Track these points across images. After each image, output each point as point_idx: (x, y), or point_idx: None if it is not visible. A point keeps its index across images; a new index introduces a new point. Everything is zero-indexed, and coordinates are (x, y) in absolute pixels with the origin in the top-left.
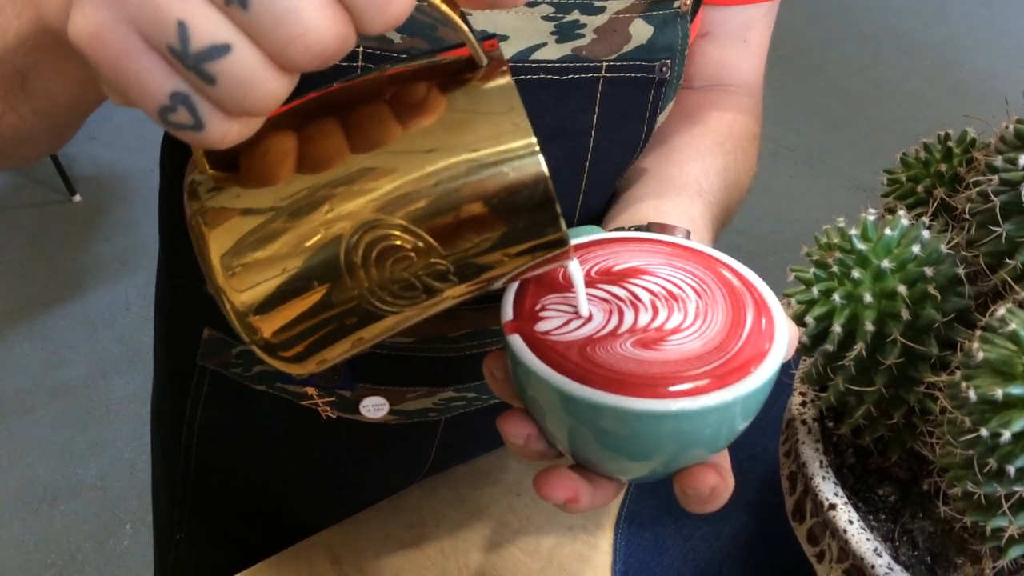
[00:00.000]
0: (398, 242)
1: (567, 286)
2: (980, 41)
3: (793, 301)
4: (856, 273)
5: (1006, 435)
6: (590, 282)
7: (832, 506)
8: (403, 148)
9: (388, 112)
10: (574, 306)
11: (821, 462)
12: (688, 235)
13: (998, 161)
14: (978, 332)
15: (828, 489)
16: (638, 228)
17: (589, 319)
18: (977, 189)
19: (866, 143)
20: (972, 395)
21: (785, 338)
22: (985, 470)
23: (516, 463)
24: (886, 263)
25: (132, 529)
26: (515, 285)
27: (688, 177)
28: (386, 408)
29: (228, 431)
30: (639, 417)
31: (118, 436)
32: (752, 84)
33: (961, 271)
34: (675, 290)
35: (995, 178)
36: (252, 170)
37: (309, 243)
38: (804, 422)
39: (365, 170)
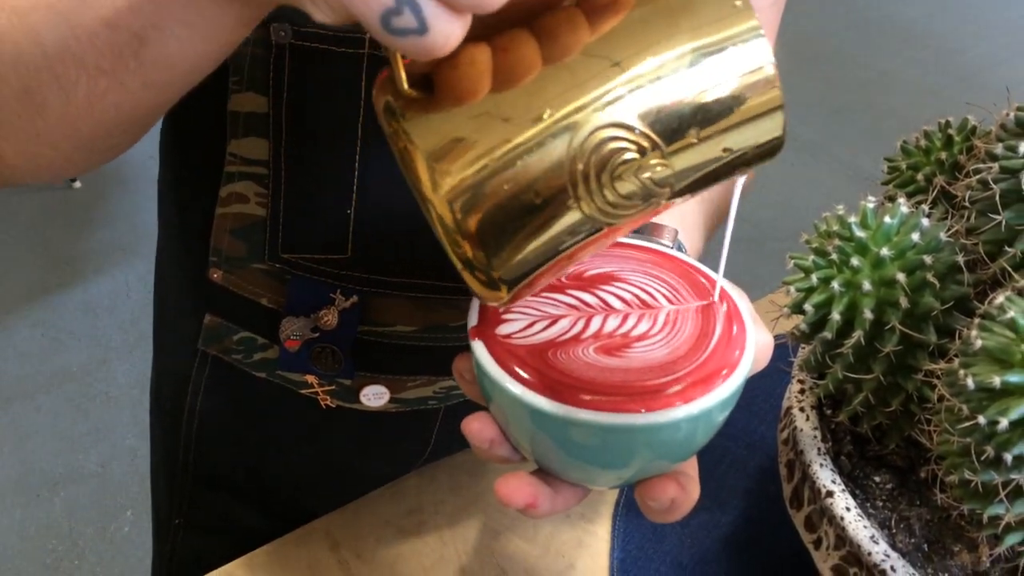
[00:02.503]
0: (623, 143)
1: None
2: (982, 30)
3: (792, 289)
4: (855, 261)
5: (1004, 423)
6: (560, 287)
7: (830, 493)
8: (617, 43)
9: (583, 11)
10: (539, 309)
11: (819, 449)
12: (677, 235)
13: (998, 149)
14: (977, 320)
15: (826, 476)
16: None
17: (553, 322)
18: (977, 177)
19: (867, 132)
20: (970, 383)
21: (753, 349)
22: (982, 458)
23: None
24: (885, 251)
25: (133, 515)
26: None
27: None
28: (386, 396)
29: (228, 418)
30: (591, 428)
31: (119, 422)
32: None
33: (960, 259)
34: (646, 298)
35: (995, 166)
36: (453, 85)
37: (529, 151)
38: (802, 409)
39: (582, 70)
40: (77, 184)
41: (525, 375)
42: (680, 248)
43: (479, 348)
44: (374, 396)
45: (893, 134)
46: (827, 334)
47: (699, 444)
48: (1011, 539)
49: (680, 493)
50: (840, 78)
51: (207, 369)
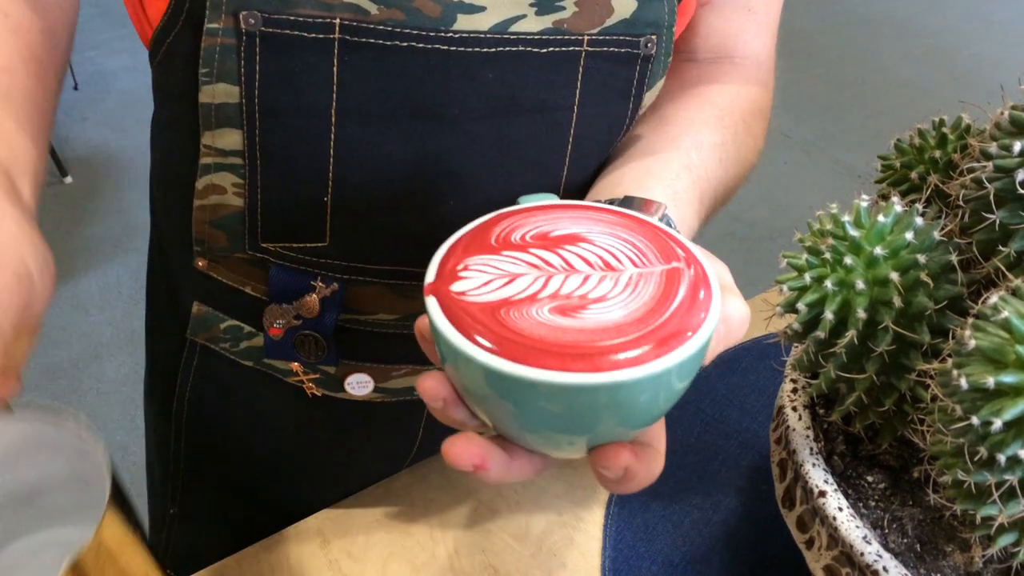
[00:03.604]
0: None
1: (498, 248)
2: (977, 28)
3: (785, 287)
4: (849, 260)
5: (997, 423)
6: (523, 246)
7: (822, 493)
8: None
9: None
10: (498, 267)
11: (811, 449)
12: (665, 210)
13: (993, 148)
14: (970, 320)
15: (818, 476)
16: (612, 201)
17: (511, 280)
18: (971, 176)
19: (861, 130)
20: (964, 383)
21: (717, 314)
22: (976, 458)
23: None
24: (879, 250)
25: None
26: (445, 246)
27: (678, 151)
28: (371, 386)
29: (217, 406)
30: (537, 386)
31: (109, 419)
32: (760, 55)
33: (954, 258)
34: (611, 259)
35: (989, 165)
36: None
37: None
38: (795, 409)
39: None
40: (68, 179)
41: (475, 332)
42: (669, 224)
43: (432, 304)
44: (358, 385)
45: (886, 133)
46: (820, 333)
47: (657, 411)
48: (1004, 540)
49: (634, 461)
50: (833, 76)
51: (196, 358)
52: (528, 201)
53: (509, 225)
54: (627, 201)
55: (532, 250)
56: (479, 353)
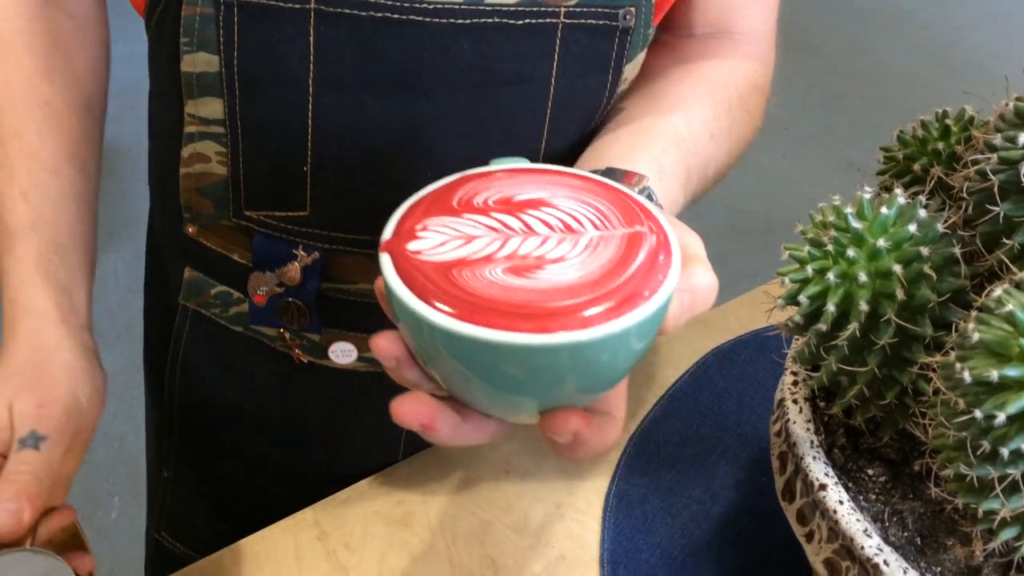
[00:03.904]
0: None
1: (459, 210)
2: (977, 20)
3: (787, 279)
4: (851, 252)
5: (1001, 417)
6: (484, 210)
7: (823, 486)
8: None
9: None
10: (456, 228)
11: (812, 442)
12: (647, 182)
13: (997, 139)
14: (974, 313)
15: (819, 469)
16: (595, 172)
17: (468, 242)
18: (975, 168)
19: (860, 122)
20: (967, 376)
21: (675, 279)
22: (978, 452)
23: (504, 441)
24: (882, 242)
25: (120, 502)
26: (406, 204)
27: (667, 125)
28: (354, 354)
29: (208, 371)
30: (480, 344)
31: (106, 409)
32: (759, 31)
33: (957, 251)
34: (572, 223)
35: (994, 157)
36: None
37: None
38: (795, 402)
39: None
40: None
41: (425, 290)
42: (650, 197)
43: (386, 262)
44: (342, 353)
45: (885, 125)
46: (822, 326)
47: (608, 376)
48: (1006, 534)
49: (585, 427)
50: (833, 68)
51: (188, 323)
52: (499, 164)
53: (473, 188)
54: (609, 172)
55: (493, 214)
56: (426, 310)
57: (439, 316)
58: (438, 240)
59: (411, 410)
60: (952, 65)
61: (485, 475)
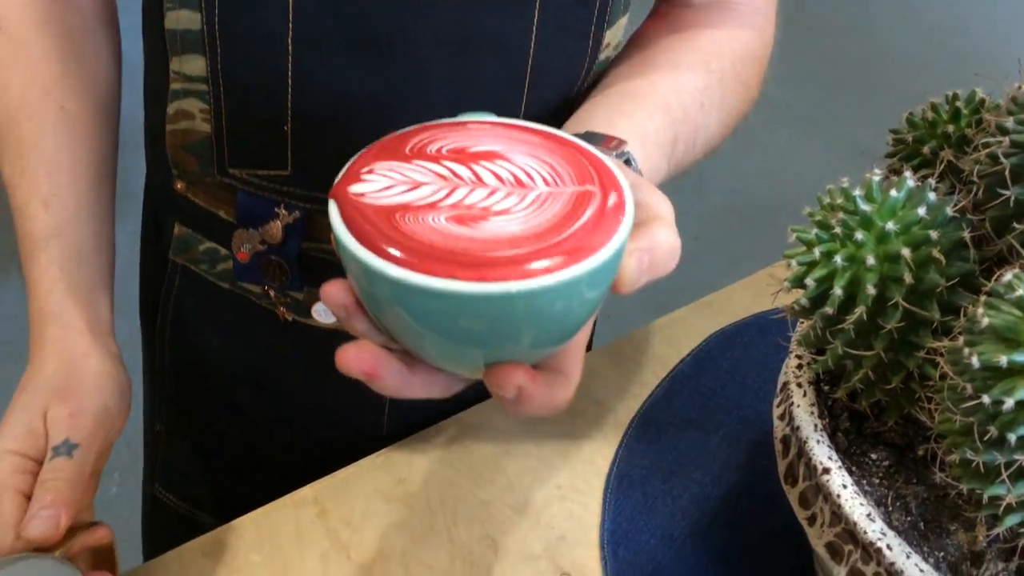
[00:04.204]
0: None
1: (410, 157)
2: (982, 5)
3: (794, 262)
4: (859, 235)
5: (1009, 403)
6: (435, 157)
7: (826, 470)
8: None
9: None
10: (404, 174)
11: (816, 426)
12: (626, 147)
13: (1009, 122)
14: (983, 297)
15: (822, 453)
16: (575, 136)
17: (414, 188)
18: (986, 151)
19: (864, 105)
20: (975, 361)
21: (622, 238)
22: (985, 438)
23: (506, 419)
24: (891, 225)
25: (120, 477)
26: (358, 154)
27: (655, 92)
28: None
29: (197, 326)
30: (415, 290)
31: None
32: (759, 2)
33: (967, 235)
34: (523, 177)
35: (1005, 140)
36: None
37: None
38: (800, 385)
39: None
40: None
41: (363, 232)
42: (629, 162)
43: (332, 206)
44: (324, 312)
45: (890, 108)
46: (828, 309)
47: (551, 331)
48: (1011, 520)
49: (529, 383)
50: (837, 51)
51: (178, 279)
52: (466, 117)
53: (430, 136)
54: (588, 136)
55: (445, 162)
56: (363, 253)
57: (375, 259)
58: (383, 184)
59: (355, 357)
60: (959, 48)
61: (486, 455)
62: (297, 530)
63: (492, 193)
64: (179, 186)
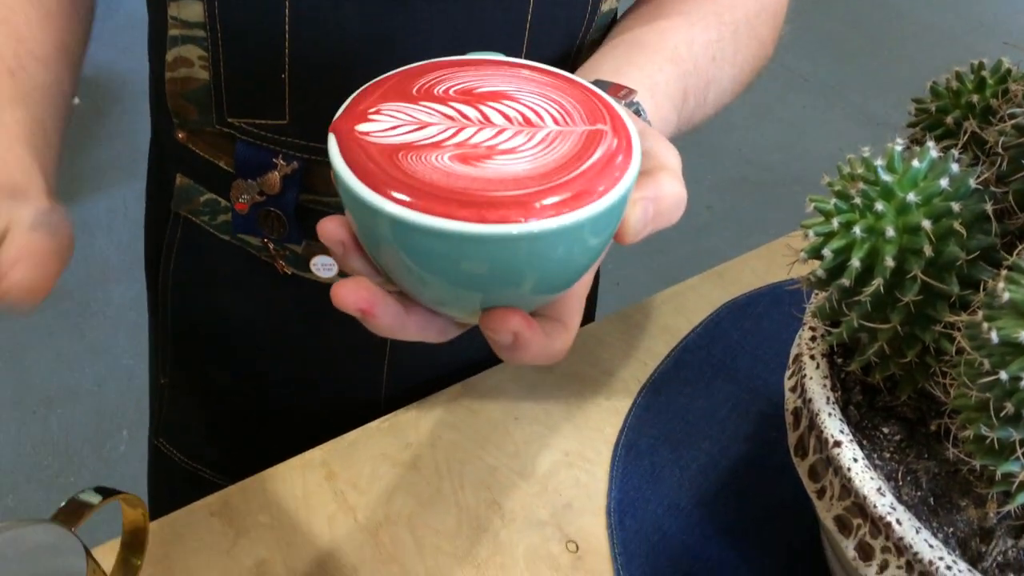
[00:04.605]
0: None
1: (417, 97)
2: None
3: (811, 233)
4: (879, 206)
5: None
6: (443, 98)
7: (837, 443)
8: None
9: None
10: (410, 114)
11: (828, 398)
12: (635, 96)
13: None
14: (1004, 272)
15: (834, 426)
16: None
17: (420, 127)
18: (1012, 122)
19: (881, 75)
20: (994, 336)
21: (624, 187)
22: (1001, 414)
23: (514, 385)
24: (912, 196)
25: (128, 435)
26: (364, 86)
27: (665, 43)
28: (335, 268)
29: (199, 279)
30: (405, 226)
31: (115, 343)
32: None
33: (989, 208)
34: (532, 116)
35: None
36: None
37: None
38: (812, 357)
39: None
40: (76, 101)
41: (364, 169)
42: (638, 112)
43: (331, 141)
44: (323, 267)
45: (907, 79)
46: (845, 281)
47: (551, 276)
48: (1022, 497)
49: (525, 329)
50: (854, 20)
51: (179, 230)
52: (474, 55)
53: (437, 76)
54: (597, 84)
55: (452, 103)
56: (361, 188)
57: (374, 196)
58: (389, 124)
59: (352, 292)
60: (979, 19)
61: (494, 421)
62: (304, 492)
63: (499, 132)
64: (180, 136)
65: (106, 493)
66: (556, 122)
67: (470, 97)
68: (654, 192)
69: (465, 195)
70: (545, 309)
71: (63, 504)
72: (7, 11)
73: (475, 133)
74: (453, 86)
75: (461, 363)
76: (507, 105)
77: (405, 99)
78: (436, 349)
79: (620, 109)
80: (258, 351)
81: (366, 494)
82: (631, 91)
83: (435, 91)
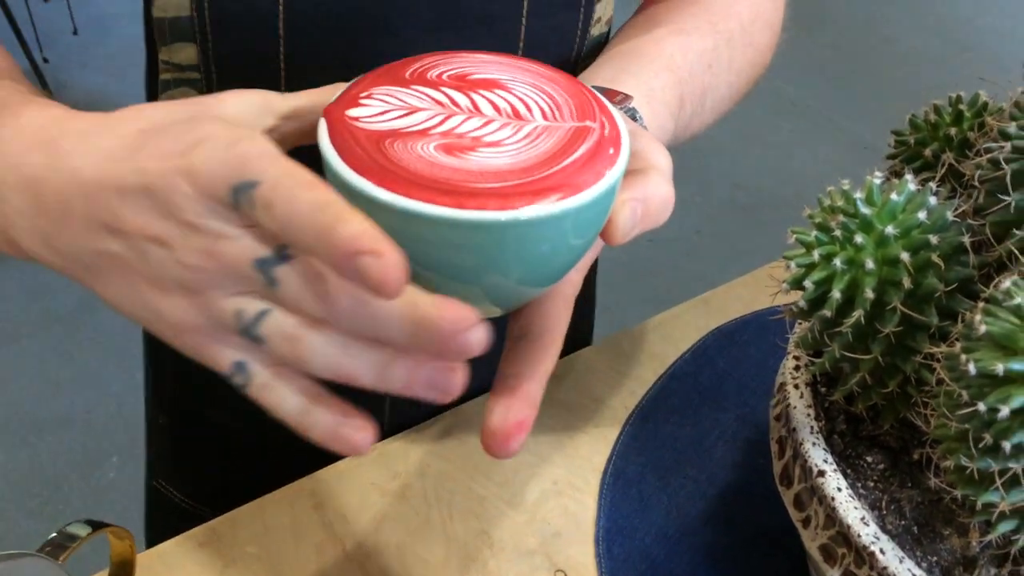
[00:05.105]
0: None
1: (409, 82)
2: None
3: (793, 264)
4: (859, 238)
5: (1004, 411)
6: (435, 83)
7: (821, 472)
8: None
9: None
10: (401, 99)
11: (812, 428)
12: (631, 103)
13: (1011, 128)
14: (981, 304)
15: (818, 456)
16: None
17: (409, 113)
18: (988, 156)
19: (870, 100)
20: (972, 368)
21: (608, 182)
22: (980, 445)
23: None
24: (890, 229)
25: (118, 462)
26: (359, 77)
27: (661, 52)
28: None
29: None
30: (385, 211)
31: (105, 369)
32: None
33: (966, 240)
34: (521, 108)
35: (1007, 145)
36: None
37: None
38: (796, 386)
39: None
40: None
41: (350, 153)
42: (634, 117)
43: (321, 125)
44: None
45: (894, 103)
46: (826, 312)
47: (524, 272)
48: (1003, 527)
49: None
50: (842, 45)
51: None
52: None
53: (432, 63)
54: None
55: (443, 88)
56: (345, 172)
57: (358, 179)
58: (379, 109)
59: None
60: (965, 44)
61: (483, 450)
62: (293, 522)
63: (487, 123)
64: None
65: (94, 525)
66: (544, 116)
67: (462, 83)
68: (643, 193)
69: (447, 184)
70: (531, 323)
71: (51, 536)
72: None
73: (462, 122)
74: (448, 71)
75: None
76: (498, 95)
77: (397, 83)
78: None
79: (612, 109)
80: None
81: (354, 524)
82: (627, 97)
83: (428, 75)
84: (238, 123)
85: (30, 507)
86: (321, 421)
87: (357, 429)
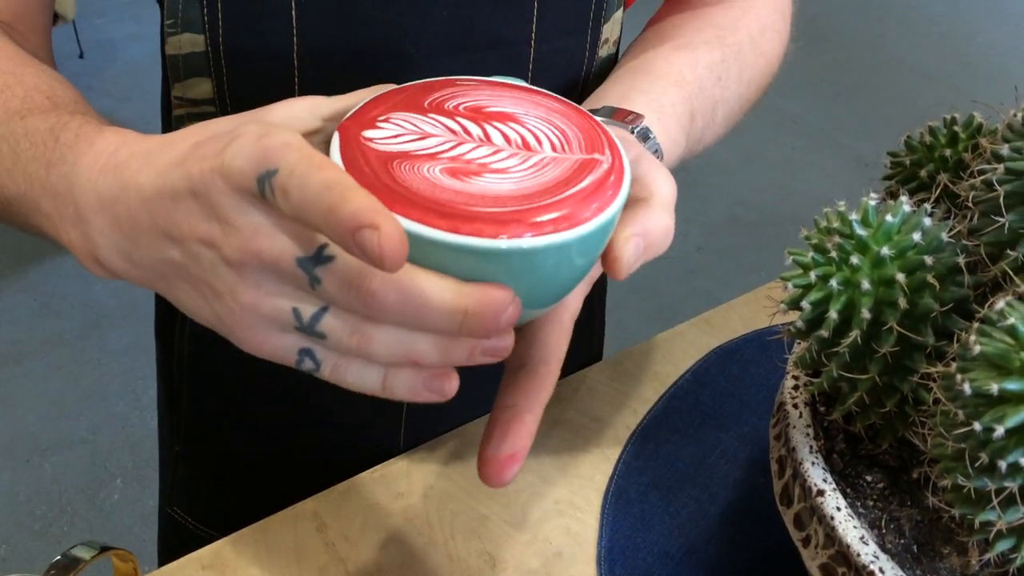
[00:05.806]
0: None
1: (427, 110)
2: (989, 17)
3: (790, 285)
4: (855, 259)
5: (999, 430)
6: (451, 114)
7: (820, 492)
8: None
9: None
10: (416, 125)
11: (811, 447)
12: (643, 122)
13: (1004, 150)
14: (976, 324)
15: (817, 475)
16: (592, 111)
17: (422, 137)
18: (982, 177)
19: (870, 117)
20: (967, 388)
21: (606, 217)
22: (976, 464)
23: None
24: (886, 250)
25: (123, 483)
26: (380, 91)
27: (671, 67)
28: None
29: (214, 339)
30: None
31: (110, 390)
32: None
33: (961, 260)
34: (532, 141)
35: (1001, 167)
36: None
37: None
38: (795, 406)
39: None
40: None
41: (361, 173)
42: (646, 136)
43: (334, 141)
44: None
45: (895, 121)
46: (824, 332)
47: (525, 295)
48: (1001, 545)
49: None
50: (843, 62)
51: None
52: (497, 78)
53: (451, 92)
54: (605, 111)
55: (458, 118)
56: None
57: None
58: (393, 132)
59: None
60: (965, 61)
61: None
62: (296, 544)
63: (495, 152)
64: None
65: (98, 548)
66: (554, 148)
67: (478, 115)
68: (643, 227)
69: (446, 207)
70: (528, 353)
71: (55, 559)
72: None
73: (472, 149)
74: (464, 102)
75: (473, 416)
76: (511, 127)
77: (415, 110)
78: (452, 405)
79: (618, 140)
80: (279, 413)
81: (357, 545)
82: (638, 116)
83: (446, 105)
84: (282, 126)
85: (35, 528)
86: (405, 381)
87: (443, 378)
